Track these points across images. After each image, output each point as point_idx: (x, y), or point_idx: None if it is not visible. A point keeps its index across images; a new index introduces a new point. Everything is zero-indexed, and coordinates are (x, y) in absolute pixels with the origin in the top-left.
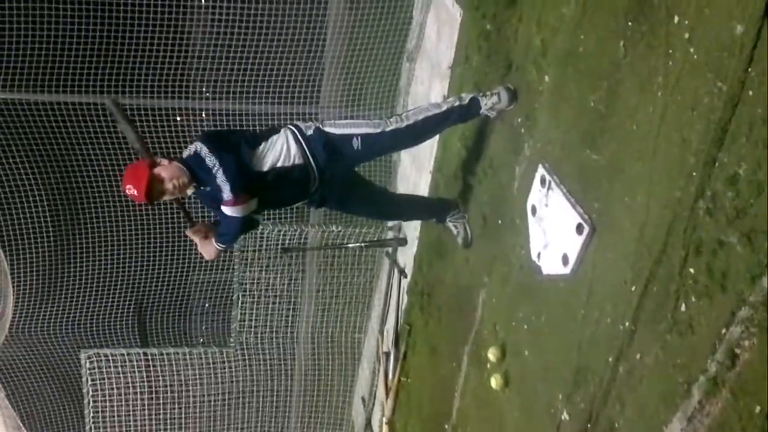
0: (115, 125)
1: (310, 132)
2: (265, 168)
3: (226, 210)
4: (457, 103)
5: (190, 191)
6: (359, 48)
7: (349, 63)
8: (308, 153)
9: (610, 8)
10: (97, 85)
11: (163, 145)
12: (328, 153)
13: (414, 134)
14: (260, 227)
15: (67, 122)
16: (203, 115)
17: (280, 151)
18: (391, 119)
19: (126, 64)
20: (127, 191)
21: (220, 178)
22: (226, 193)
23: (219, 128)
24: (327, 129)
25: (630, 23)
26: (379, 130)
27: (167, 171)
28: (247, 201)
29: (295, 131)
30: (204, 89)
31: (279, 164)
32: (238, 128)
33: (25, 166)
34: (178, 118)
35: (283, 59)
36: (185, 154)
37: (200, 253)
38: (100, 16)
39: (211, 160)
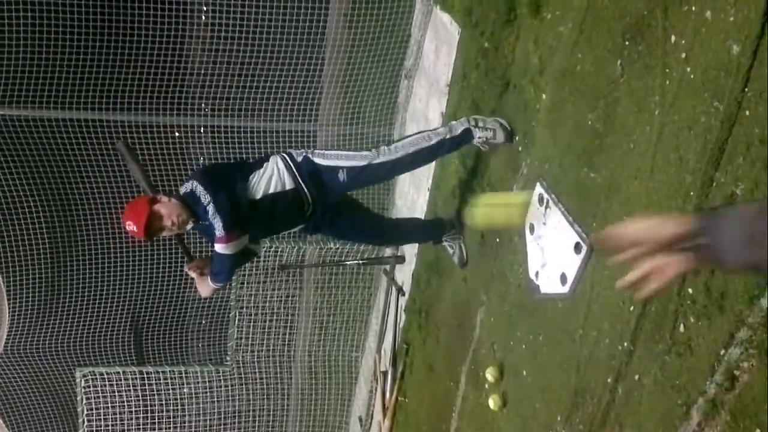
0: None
1: (299, 159)
2: (259, 195)
3: (218, 247)
4: (448, 136)
5: (189, 226)
6: (358, 65)
7: (347, 80)
8: (299, 179)
9: (607, 28)
10: (95, 102)
11: (162, 161)
12: (315, 182)
13: (401, 167)
14: (258, 257)
15: (65, 139)
16: (202, 131)
17: (272, 177)
18: (381, 149)
19: (125, 80)
20: (127, 227)
21: (212, 215)
22: (219, 230)
23: (215, 162)
24: (315, 159)
25: (627, 43)
26: (364, 163)
27: (166, 208)
28: (239, 237)
29: (287, 158)
30: (203, 106)
31: (272, 190)
32: (232, 161)
33: (21, 184)
34: (177, 134)
35: (282, 76)
36: (182, 190)
37: (197, 290)
38: (99, 32)
39: (205, 197)
